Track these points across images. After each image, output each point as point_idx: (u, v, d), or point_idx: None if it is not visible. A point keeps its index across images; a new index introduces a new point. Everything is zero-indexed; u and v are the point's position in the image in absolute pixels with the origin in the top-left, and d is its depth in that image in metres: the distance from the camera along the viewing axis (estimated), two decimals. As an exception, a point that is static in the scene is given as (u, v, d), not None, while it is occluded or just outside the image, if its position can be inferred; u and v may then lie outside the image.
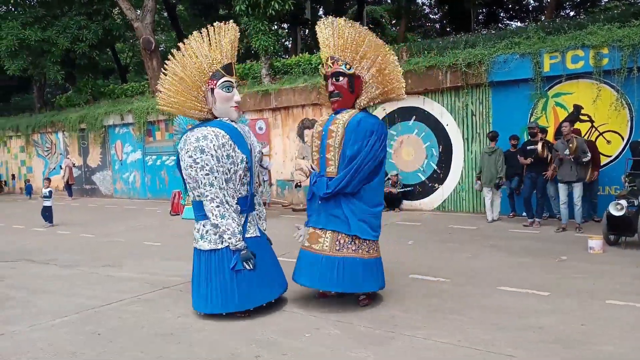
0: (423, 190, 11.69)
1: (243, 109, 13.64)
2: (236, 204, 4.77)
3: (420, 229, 9.35)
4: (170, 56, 4.95)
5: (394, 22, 30.21)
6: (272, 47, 14.89)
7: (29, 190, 20.51)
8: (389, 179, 11.95)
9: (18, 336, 4.55)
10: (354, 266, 4.81)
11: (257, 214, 5.17)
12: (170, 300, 5.46)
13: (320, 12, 29.62)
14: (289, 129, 13.81)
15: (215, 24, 4.89)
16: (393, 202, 11.67)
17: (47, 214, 11.75)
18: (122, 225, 11.35)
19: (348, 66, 4.92)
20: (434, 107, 11.34)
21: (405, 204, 11.81)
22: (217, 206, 4.64)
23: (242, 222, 4.81)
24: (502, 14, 27.64)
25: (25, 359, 4.03)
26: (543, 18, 19.56)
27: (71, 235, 10.25)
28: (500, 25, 24.43)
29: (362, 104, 5.04)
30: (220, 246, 4.70)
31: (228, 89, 4.87)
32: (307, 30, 27.44)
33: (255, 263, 4.75)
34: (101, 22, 20.07)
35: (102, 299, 5.58)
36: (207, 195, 4.65)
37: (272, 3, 14.32)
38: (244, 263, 4.68)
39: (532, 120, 10.03)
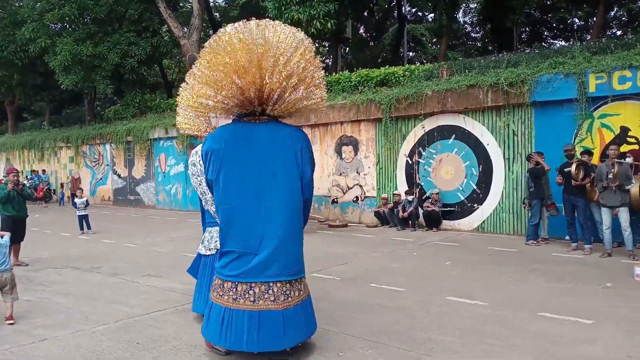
0: (462, 210, 11.53)
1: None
2: None
3: (458, 250, 9.21)
4: (182, 85, 5.10)
5: (434, 40, 30.17)
6: (312, 65, 15.07)
7: (61, 198, 21.52)
8: (428, 197, 11.86)
9: (61, 342, 4.72)
10: (309, 306, 4.39)
11: None
12: (208, 312, 5.54)
13: (361, 31, 29.92)
14: (327, 145, 13.91)
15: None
16: (432, 221, 11.56)
17: (82, 222, 12.28)
18: (163, 235, 11.63)
19: None
20: (475, 126, 11.21)
21: (444, 223, 11.67)
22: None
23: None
24: (545, 33, 27.23)
25: (68, 364, 4.18)
26: (588, 37, 19.15)
27: (115, 244, 10.57)
28: (544, 44, 24.06)
29: None
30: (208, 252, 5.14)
31: None
32: (347, 49, 27.72)
33: None
34: (149, 39, 20.84)
35: (143, 308, 5.74)
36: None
37: (314, 22, 14.57)
38: None
39: (576, 141, 9.79)
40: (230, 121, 4.50)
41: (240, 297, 4.08)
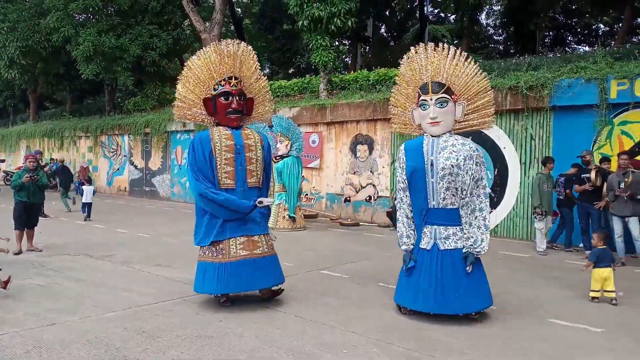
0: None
1: (298, 121, 13.86)
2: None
3: (470, 253, 9.10)
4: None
5: (456, 42, 29.89)
6: (331, 63, 15.08)
7: (78, 186, 21.84)
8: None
9: (69, 327, 4.78)
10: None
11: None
12: (214, 303, 5.57)
13: (382, 30, 29.77)
14: (342, 144, 13.88)
15: None
16: None
17: (85, 209, 12.83)
18: (176, 227, 11.72)
19: None
20: (492, 129, 11.06)
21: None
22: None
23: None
24: (569, 38, 26.80)
25: (72, 349, 4.22)
26: (613, 43, 18.82)
27: (128, 233, 10.68)
28: (567, 49, 23.69)
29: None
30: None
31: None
32: (367, 47, 27.61)
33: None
34: (171, 32, 21.01)
35: (151, 297, 5.79)
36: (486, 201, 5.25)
37: (334, 20, 14.53)
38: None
39: (595, 148, 9.63)
40: None
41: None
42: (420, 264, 5.18)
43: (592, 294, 5.93)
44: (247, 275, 5.29)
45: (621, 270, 7.69)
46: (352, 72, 17.15)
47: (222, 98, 5.45)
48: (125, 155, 21.18)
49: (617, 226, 8.00)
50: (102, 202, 17.18)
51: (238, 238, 5.37)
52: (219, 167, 5.37)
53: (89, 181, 14.48)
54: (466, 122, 5.38)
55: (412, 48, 5.42)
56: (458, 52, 5.25)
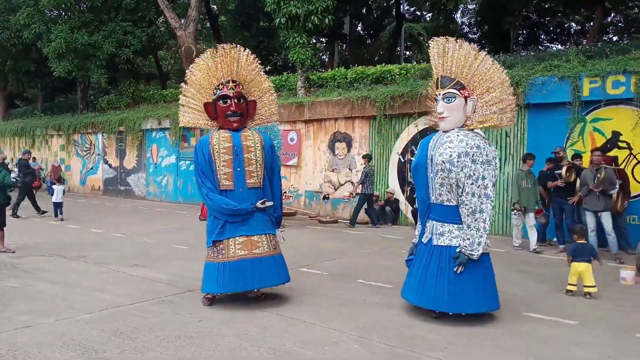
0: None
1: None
2: None
3: (447, 249, 9.19)
4: None
5: (432, 40, 30.16)
6: (309, 60, 15.05)
7: (49, 186, 21.45)
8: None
9: (44, 329, 4.68)
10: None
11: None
12: (194, 303, 5.53)
13: (359, 28, 29.86)
14: (320, 141, 13.88)
15: None
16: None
17: (56, 209, 12.73)
18: (152, 226, 11.57)
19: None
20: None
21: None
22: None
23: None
24: (542, 37, 27.28)
25: (48, 353, 4.13)
26: (585, 42, 19.22)
27: (103, 233, 10.50)
28: (540, 47, 24.11)
29: None
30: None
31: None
32: (344, 45, 27.66)
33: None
34: (145, 29, 20.66)
35: (128, 298, 5.70)
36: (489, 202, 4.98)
37: (312, 17, 14.51)
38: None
39: (567, 144, 9.82)
40: None
41: None
42: (416, 256, 5.29)
43: (568, 287, 6.06)
44: (245, 275, 5.29)
45: (594, 264, 7.87)
46: (330, 69, 17.15)
47: (221, 102, 5.55)
48: (98, 154, 20.81)
49: (589, 221, 8.18)
50: (76, 202, 16.89)
51: (237, 238, 5.40)
52: (217, 168, 5.46)
53: (60, 180, 14.12)
54: (478, 119, 5.16)
55: (430, 42, 5.39)
56: (470, 45, 5.14)
